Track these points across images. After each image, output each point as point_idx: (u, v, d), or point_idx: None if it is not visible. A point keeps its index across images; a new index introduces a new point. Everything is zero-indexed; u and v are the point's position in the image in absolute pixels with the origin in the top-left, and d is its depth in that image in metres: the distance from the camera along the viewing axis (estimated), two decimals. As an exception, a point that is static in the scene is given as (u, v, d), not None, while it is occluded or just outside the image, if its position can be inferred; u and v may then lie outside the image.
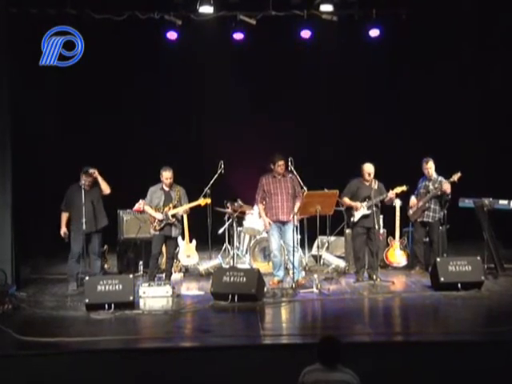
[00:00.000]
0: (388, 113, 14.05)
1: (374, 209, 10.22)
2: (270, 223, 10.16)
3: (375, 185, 10.39)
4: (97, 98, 13.50)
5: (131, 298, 8.85)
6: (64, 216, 10.30)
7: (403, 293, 9.70)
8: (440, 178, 10.90)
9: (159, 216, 10.00)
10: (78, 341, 7.44)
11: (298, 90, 14.10)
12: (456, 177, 10.68)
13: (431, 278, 9.88)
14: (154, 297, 9.46)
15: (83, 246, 10.02)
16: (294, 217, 10.05)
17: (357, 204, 10.37)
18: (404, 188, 10.50)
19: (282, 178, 10.20)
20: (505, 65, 13.35)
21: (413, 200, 11.11)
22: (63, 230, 10.25)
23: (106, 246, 11.43)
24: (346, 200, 10.49)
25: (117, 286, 8.88)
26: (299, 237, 11.55)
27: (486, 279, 9.90)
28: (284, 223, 10.13)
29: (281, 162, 10.16)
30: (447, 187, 10.70)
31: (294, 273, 9.89)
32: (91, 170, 10.20)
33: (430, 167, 10.97)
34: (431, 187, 10.92)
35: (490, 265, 10.77)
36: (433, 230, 10.97)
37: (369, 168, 10.43)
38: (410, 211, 11.15)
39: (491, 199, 10.98)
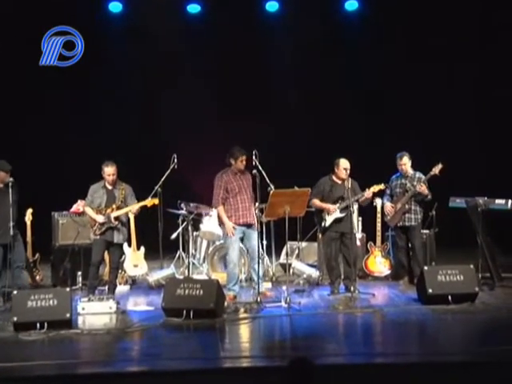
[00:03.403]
0: (366, 98, 14.18)
1: (350, 210, 10.28)
2: (234, 228, 10.15)
3: (348, 183, 10.41)
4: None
5: (68, 315, 8.76)
6: None
7: (385, 307, 9.73)
8: (418, 174, 10.97)
9: (100, 219, 9.94)
10: (6, 366, 7.35)
11: (264, 72, 14.16)
12: (437, 169, 10.71)
13: (417, 290, 9.95)
14: (94, 314, 9.40)
15: (8, 256, 9.88)
16: (257, 220, 10.09)
17: (329, 206, 10.41)
18: (382, 186, 10.56)
19: (242, 176, 10.22)
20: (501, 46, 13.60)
21: (388, 205, 11.10)
22: None
23: (37, 255, 11.34)
24: (317, 202, 10.51)
25: (51, 302, 8.78)
26: (265, 242, 11.60)
27: (481, 290, 10.00)
28: (249, 227, 10.15)
29: (244, 157, 10.15)
30: (423, 189, 10.74)
31: (258, 284, 9.90)
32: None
33: (404, 163, 10.98)
34: (409, 185, 10.94)
35: (485, 274, 10.85)
36: (414, 234, 11.02)
37: (346, 163, 10.45)
38: (388, 217, 11.17)
39: (486, 198, 10.98)
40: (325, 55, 14.15)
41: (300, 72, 14.13)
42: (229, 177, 10.20)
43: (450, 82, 14.23)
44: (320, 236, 11.41)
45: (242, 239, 10.27)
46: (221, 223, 10.44)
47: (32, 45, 13.43)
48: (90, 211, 10.08)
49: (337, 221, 10.39)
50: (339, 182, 10.49)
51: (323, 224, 10.50)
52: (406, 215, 10.96)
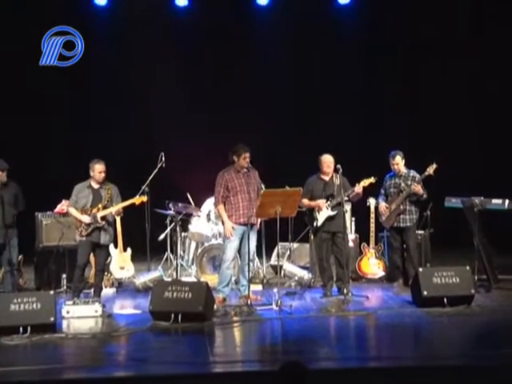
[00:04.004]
0: (359, 95, 14.19)
1: (343, 209, 10.27)
2: (233, 228, 10.12)
3: (337, 180, 10.40)
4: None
5: (52, 318, 8.73)
6: None
7: (379, 310, 9.75)
8: (412, 173, 10.97)
9: (86, 219, 9.89)
10: (-13, 372, 7.35)
11: (255, 68, 14.14)
12: (431, 169, 10.70)
13: (412, 292, 9.95)
14: (79, 317, 9.38)
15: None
16: (257, 220, 10.11)
17: (318, 202, 10.41)
18: (372, 180, 10.51)
19: (245, 173, 10.21)
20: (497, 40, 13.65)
21: (383, 205, 11.10)
22: None
23: (20, 257, 11.28)
24: (306, 201, 10.51)
25: (34, 305, 8.75)
26: (255, 243, 11.58)
27: (477, 293, 10.01)
28: (250, 227, 10.11)
29: (247, 154, 10.12)
30: (417, 189, 10.74)
31: (249, 286, 9.90)
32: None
33: (396, 162, 10.96)
34: (403, 185, 10.93)
35: (481, 276, 10.88)
36: (409, 235, 11.01)
37: (328, 159, 10.45)
38: (383, 217, 11.17)
39: (482, 198, 10.98)
40: (317, 50, 14.14)
41: (292, 67, 14.13)
42: (231, 175, 10.18)
43: (445, 78, 14.25)
44: (312, 237, 11.41)
45: (242, 239, 10.25)
46: (221, 222, 10.45)
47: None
48: (74, 212, 10.02)
49: (328, 219, 10.39)
50: (327, 178, 10.49)
51: (315, 224, 10.49)
52: (401, 216, 10.94)
